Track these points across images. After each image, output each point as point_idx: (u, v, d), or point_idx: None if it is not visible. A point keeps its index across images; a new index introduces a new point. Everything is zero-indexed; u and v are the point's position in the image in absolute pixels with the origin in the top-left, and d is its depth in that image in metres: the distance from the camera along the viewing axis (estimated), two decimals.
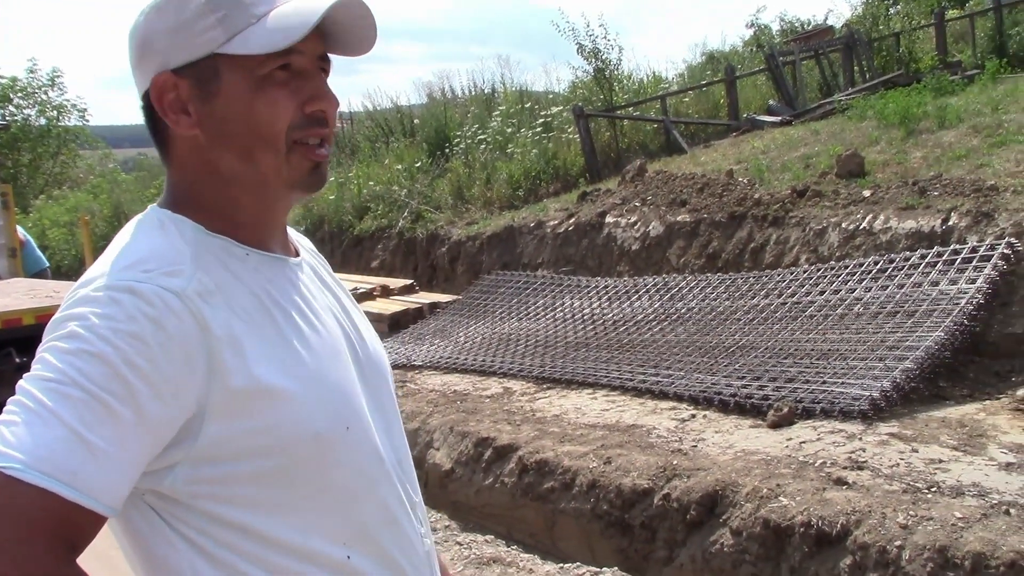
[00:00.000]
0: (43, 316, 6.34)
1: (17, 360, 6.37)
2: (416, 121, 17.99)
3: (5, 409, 1.00)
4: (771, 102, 15.00)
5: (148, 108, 1.21)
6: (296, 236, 1.38)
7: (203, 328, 1.07)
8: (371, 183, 14.94)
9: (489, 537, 5.00)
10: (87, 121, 32.11)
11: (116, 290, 1.05)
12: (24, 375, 1.03)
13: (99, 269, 1.11)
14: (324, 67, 1.23)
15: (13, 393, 1.01)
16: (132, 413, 1.01)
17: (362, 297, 10.62)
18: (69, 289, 1.11)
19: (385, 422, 1.29)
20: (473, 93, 19.12)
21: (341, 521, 1.18)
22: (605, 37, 15.57)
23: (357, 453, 1.20)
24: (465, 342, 8.82)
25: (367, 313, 9.50)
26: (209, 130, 1.18)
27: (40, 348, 1.05)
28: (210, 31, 1.15)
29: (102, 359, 1.00)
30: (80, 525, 0.99)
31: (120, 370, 1.00)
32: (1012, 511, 3.87)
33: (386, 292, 10.86)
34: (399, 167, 15.28)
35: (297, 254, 1.32)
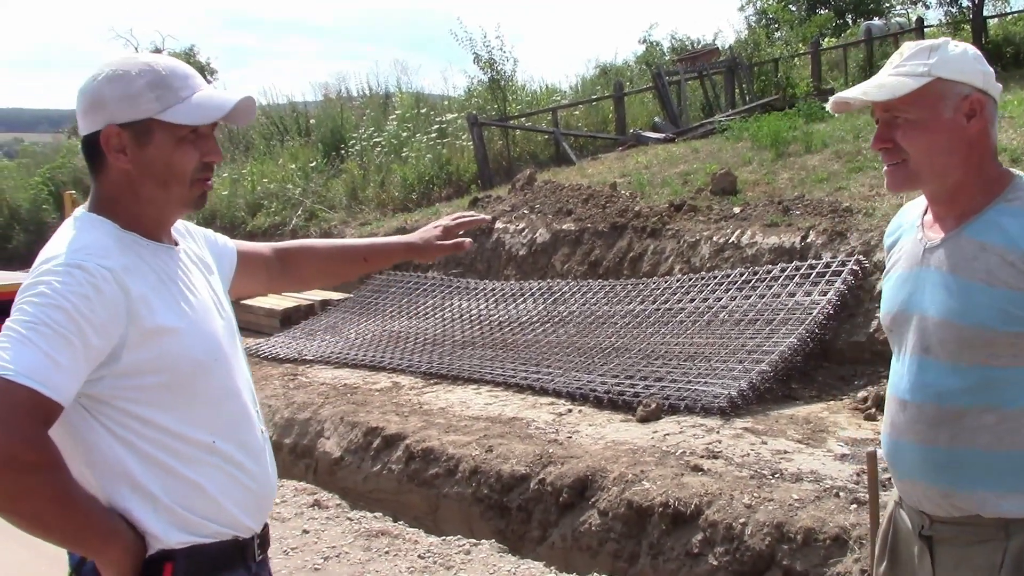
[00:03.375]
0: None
1: None
2: (312, 121, 18.08)
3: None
4: (656, 119, 15.62)
5: (89, 144, 1.75)
6: (190, 231, 1.99)
7: (125, 291, 1.63)
8: (265, 180, 15.01)
9: (378, 514, 5.33)
10: None
11: (70, 266, 1.61)
12: (8, 320, 1.56)
13: (57, 250, 1.66)
14: (215, 129, 1.82)
15: None
16: (80, 343, 1.56)
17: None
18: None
19: (239, 361, 1.89)
20: (369, 95, 19.30)
21: (208, 418, 1.76)
22: (501, 48, 15.92)
23: (220, 376, 1.79)
24: (356, 339, 9.10)
25: (259, 308, 9.64)
26: (139, 167, 1.74)
27: (17, 301, 1.59)
28: (149, 104, 1.71)
29: (63, 309, 1.55)
30: (50, 411, 1.53)
31: (74, 316, 1.55)
32: (841, 494, 4.41)
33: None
34: (294, 166, 15.39)
35: (176, 244, 1.88)
